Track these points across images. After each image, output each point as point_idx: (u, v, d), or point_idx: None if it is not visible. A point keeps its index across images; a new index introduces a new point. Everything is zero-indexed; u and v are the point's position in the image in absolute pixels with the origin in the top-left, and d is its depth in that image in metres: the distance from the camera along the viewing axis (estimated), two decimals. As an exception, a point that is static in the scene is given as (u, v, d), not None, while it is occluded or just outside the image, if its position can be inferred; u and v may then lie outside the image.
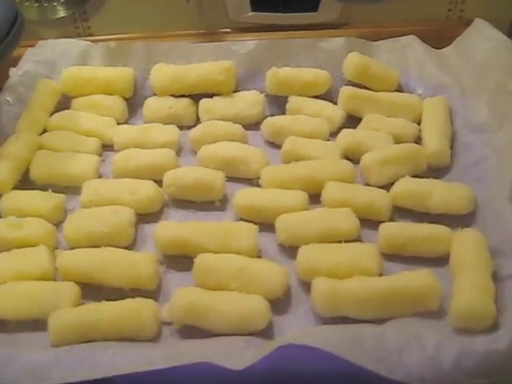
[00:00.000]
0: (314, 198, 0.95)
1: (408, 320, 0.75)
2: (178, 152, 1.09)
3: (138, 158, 1.01)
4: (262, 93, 1.15)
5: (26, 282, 0.83)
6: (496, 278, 0.80)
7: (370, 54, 1.18)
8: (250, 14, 1.25)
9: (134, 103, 1.18)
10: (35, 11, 1.26)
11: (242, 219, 0.94)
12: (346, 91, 1.12)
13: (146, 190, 0.96)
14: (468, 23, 1.19)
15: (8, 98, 1.12)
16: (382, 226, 0.89)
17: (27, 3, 1.24)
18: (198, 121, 1.14)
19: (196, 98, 1.15)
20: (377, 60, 1.16)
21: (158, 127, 1.10)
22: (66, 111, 1.14)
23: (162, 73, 1.15)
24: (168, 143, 1.07)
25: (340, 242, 0.86)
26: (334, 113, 1.11)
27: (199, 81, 1.13)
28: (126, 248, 0.89)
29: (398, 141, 1.04)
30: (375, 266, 0.82)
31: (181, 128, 1.12)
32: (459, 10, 1.27)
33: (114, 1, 1.26)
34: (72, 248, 0.90)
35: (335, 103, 1.13)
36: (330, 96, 1.15)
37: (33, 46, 1.22)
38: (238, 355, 0.71)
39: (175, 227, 0.89)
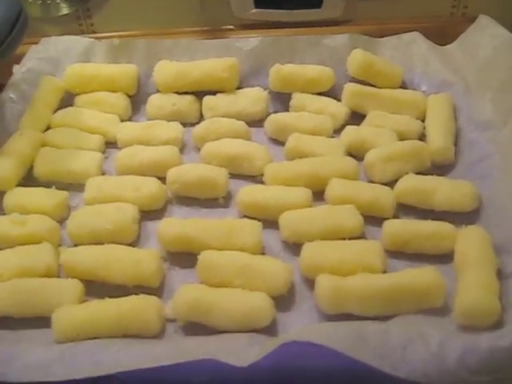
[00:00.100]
0: (318, 195, 0.95)
1: (412, 317, 0.75)
2: (182, 149, 1.08)
3: (141, 155, 1.02)
4: (265, 90, 1.15)
5: (29, 278, 0.83)
6: (500, 275, 0.80)
7: (373, 50, 1.17)
8: (254, 10, 1.25)
9: (137, 100, 1.18)
10: (39, 8, 1.26)
11: (245, 216, 0.93)
12: (349, 88, 1.11)
13: (149, 186, 0.96)
14: (472, 20, 1.19)
15: (11, 95, 1.13)
16: (386, 223, 0.89)
17: (31, 0, 1.24)
18: (201, 118, 1.14)
19: (199, 94, 1.15)
20: (381, 57, 1.16)
21: (162, 124, 1.10)
22: (70, 108, 1.15)
23: (165, 70, 1.15)
24: (171, 140, 1.07)
25: (344, 238, 0.86)
26: (338, 110, 1.11)
27: (203, 78, 1.13)
28: (130, 245, 0.90)
29: (401, 138, 1.03)
30: (379, 262, 0.82)
31: (184, 125, 1.12)
32: (463, 6, 1.26)
33: (118, -2, 1.27)
34: (75, 245, 0.91)
35: (339, 100, 1.13)
36: (333, 93, 1.15)
37: (36, 43, 1.23)
38: (242, 352, 0.71)
39: (179, 224, 0.89)
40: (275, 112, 1.12)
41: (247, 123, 1.09)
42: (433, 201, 0.91)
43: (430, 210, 0.92)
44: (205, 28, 1.29)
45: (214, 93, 1.15)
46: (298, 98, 1.13)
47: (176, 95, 1.15)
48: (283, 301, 0.81)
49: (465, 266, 0.80)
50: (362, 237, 0.89)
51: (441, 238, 0.86)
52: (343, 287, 0.77)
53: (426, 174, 0.95)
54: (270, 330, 0.78)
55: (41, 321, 0.80)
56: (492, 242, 0.83)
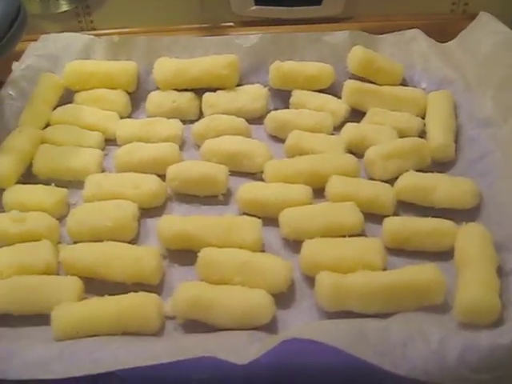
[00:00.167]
0: (318, 192, 0.95)
1: (412, 314, 0.75)
2: (182, 146, 1.08)
3: (141, 153, 1.01)
4: (265, 87, 1.14)
5: (29, 276, 0.83)
6: (501, 272, 0.80)
7: (374, 47, 1.17)
8: (254, 7, 1.25)
9: (137, 97, 1.18)
10: (38, 5, 1.26)
11: (245, 213, 0.93)
12: (349, 85, 1.11)
13: (149, 184, 0.96)
14: (473, 17, 1.19)
15: (11, 92, 1.12)
16: (386, 221, 0.89)
17: (30, -3, 1.24)
18: (201, 115, 1.14)
19: (199, 92, 1.15)
20: (381, 54, 1.16)
21: (162, 121, 1.10)
22: (69, 105, 1.14)
23: (164, 67, 1.15)
24: (171, 137, 1.07)
25: (344, 236, 0.86)
26: (338, 107, 1.11)
27: (202, 75, 1.13)
28: (130, 242, 0.89)
29: (402, 135, 1.03)
30: (379, 260, 0.82)
31: (184, 122, 1.11)
32: (464, 3, 1.26)
33: (117, -6, 1.27)
34: (75, 242, 0.90)
35: (339, 97, 1.13)
36: (333, 90, 1.14)
37: (35, 40, 1.22)
38: (242, 349, 0.71)
39: (179, 221, 0.89)
40: (275, 109, 1.12)
41: (247, 120, 1.09)
42: (433, 198, 0.91)
43: (430, 208, 0.92)
44: (205, 25, 1.29)
45: (213, 90, 1.14)
46: (298, 95, 1.13)
47: (176, 92, 1.15)
48: (283, 298, 0.81)
49: (465, 263, 0.80)
50: (362, 234, 0.89)
51: (441, 236, 0.86)
52: (343, 284, 0.77)
53: (426, 172, 0.95)
54: (270, 327, 0.78)
55: (40, 318, 0.79)
56: (492, 240, 0.83)
